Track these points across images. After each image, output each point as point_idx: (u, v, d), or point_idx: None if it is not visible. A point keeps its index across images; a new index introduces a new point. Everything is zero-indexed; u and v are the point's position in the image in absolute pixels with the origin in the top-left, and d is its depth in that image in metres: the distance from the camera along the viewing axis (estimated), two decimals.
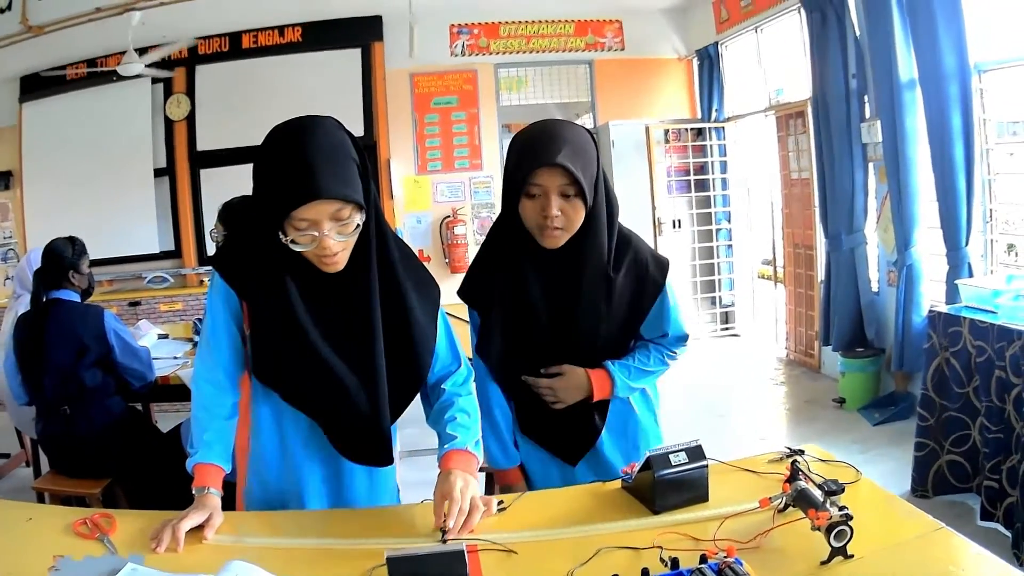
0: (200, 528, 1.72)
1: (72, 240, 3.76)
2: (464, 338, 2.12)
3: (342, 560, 1.61)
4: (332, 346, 1.81)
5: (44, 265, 3.69)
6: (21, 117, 7.95)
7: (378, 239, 1.80)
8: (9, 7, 6.58)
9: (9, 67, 7.61)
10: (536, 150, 1.89)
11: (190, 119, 7.98)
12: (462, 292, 2.17)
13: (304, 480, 1.95)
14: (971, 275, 4.69)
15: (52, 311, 3.62)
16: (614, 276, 2.04)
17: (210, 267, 6.45)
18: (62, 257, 3.68)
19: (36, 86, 7.92)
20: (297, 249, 1.68)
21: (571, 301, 2.03)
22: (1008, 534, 3.45)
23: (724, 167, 8.44)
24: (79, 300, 3.72)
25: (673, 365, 2.20)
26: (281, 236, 1.67)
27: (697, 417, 5.85)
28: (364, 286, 1.80)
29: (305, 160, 1.62)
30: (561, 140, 1.88)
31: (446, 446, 1.87)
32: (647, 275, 2.09)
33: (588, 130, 2.00)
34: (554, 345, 2.10)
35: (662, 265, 2.13)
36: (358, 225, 1.71)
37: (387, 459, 1.93)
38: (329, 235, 1.66)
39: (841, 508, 1.48)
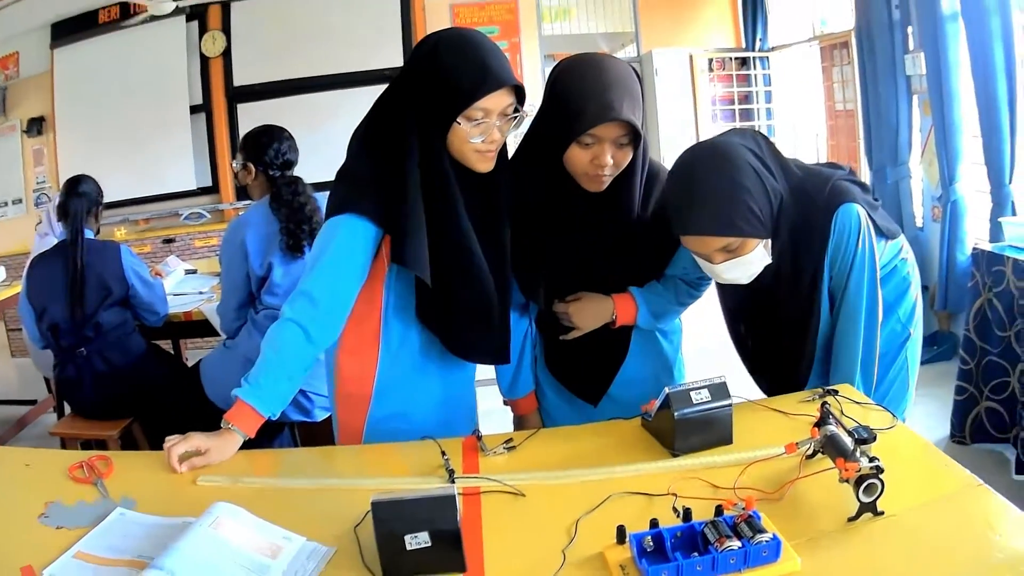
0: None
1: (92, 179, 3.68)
2: None
3: (339, 500, 1.55)
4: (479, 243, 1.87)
5: (74, 199, 3.57)
6: (53, 63, 7.85)
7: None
8: None
9: (39, 15, 7.55)
10: (595, 101, 1.73)
11: (226, 55, 7.82)
12: None
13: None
14: (1015, 214, 4.50)
15: (73, 251, 3.47)
16: (642, 213, 1.94)
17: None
18: (89, 192, 3.61)
19: (67, 31, 7.80)
20: (474, 141, 1.74)
21: (603, 240, 1.94)
22: None
23: (768, 97, 8.20)
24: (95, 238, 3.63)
25: (697, 300, 2.13)
26: (458, 125, 1.72)
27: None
28: (498, 184, 1.88)
29: (485, 54, 1.73)
30: (621, 88, 1.74)
31: None
32: None
33: (631, 65, 1.86)
34: (581, 282, 2.02)
35: None
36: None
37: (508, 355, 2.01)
38: (498, 125, 1.76)
39: (872, 459, 1.34)
